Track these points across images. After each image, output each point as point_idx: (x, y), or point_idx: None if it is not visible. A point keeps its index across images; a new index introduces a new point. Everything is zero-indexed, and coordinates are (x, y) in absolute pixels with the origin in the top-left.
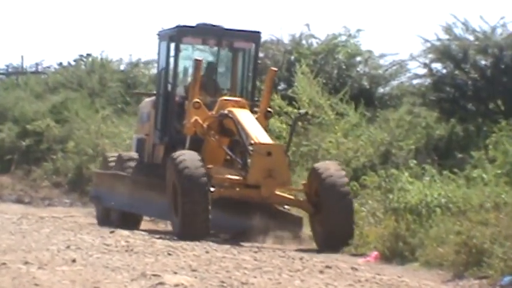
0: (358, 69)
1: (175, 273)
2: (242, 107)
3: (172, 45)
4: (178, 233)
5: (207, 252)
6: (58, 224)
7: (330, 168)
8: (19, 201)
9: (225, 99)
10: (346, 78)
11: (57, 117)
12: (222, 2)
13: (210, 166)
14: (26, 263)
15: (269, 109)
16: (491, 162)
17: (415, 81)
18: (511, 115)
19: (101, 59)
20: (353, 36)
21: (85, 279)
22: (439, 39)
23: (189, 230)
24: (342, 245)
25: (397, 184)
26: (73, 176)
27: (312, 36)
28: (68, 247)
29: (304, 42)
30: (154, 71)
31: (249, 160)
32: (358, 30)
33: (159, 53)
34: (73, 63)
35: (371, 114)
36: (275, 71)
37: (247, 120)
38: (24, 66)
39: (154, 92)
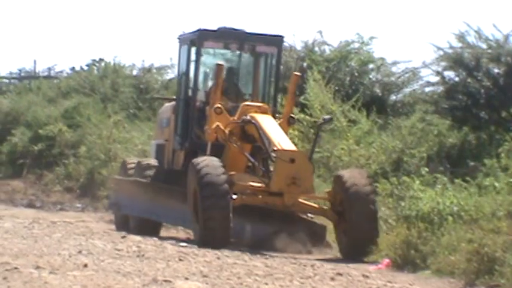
0: (370, 76)
1: (187, 279)
2: (264, 112)
3: (193, 50)
4: (199, 240)
5: (218, 258)
6: (69, 228)
7: (355, 176)
8: (31, 205)
9: (247, 105)
10: (359, 85)
11: (70, 122)
12: (235, 8)
13: (232, 173)
14: (38, 267)
15: (292, 115)
16: (503, 170)
17: (427, 89)
18: None
19: (114, 64)
20: (366, 44)
21: (96, 284)
22: (451, 47)
23: (210, 237)
24: (367, 254)
25: (408, 192)
26: (85, 180)
27: (325, 43)
28: (80, 252)
29: (316, 49)
30: (167, 76)
31: (271, 167)
32: (371, 38)
33: (179, 57)
34: (85, 68)
35: (383, 121)
36: (299, 76)
37: (270, 126)
38: (37, 71)
39: (174, 96)
